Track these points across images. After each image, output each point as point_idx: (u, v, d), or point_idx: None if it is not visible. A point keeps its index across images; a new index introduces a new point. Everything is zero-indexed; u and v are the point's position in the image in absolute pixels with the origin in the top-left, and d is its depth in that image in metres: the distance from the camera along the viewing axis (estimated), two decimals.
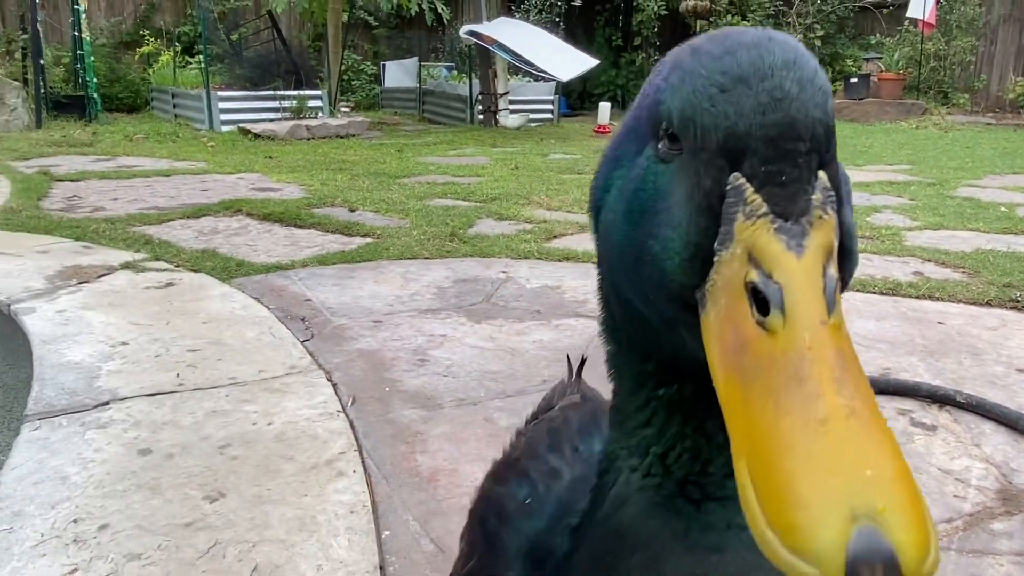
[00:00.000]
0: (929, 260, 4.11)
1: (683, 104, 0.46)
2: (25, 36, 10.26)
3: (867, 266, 3.97)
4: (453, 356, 2.61)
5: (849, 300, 3.40)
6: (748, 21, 15.50)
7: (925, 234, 4.76)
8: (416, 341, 2.73)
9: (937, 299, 3.44)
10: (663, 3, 15.08)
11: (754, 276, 0.41)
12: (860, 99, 13.08)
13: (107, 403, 2.13)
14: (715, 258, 0.44)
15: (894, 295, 3.52)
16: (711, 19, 15.46)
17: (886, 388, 2.40)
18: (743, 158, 0.44)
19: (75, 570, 1.43)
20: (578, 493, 0.64)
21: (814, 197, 0.43)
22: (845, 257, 0.45)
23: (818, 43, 15.00)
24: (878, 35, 15.18)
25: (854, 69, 14.35)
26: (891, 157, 8.79)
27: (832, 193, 0.44)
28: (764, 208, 0.43)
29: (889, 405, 2.35)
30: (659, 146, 0.49)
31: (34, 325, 2.75)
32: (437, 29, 14.54)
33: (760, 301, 0.41)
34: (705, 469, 0.53)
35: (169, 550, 1.50)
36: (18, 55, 10.90)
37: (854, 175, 7.10)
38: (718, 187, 0.44)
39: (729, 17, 15.53)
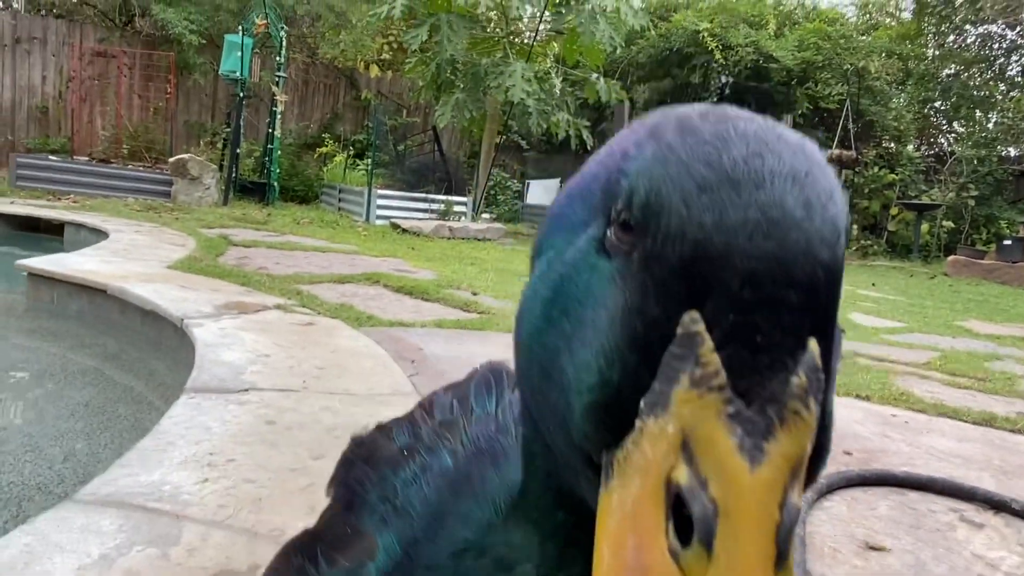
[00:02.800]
0: None
1: (650, 189, 0.34)
2: (228, 130, 11.99)
3: (968, 400, 3.95)
4: None
5: (934, 423, 3.44)
6: (897, 175, 15.47)
7: None
8: None
9: None
10: None
11: (683, 478, 0.30)
12: (1014, 262, 12.59)
13: (247, 390, 2.61)
14: (638, 421, 0.33)
15: (987, 425, 3.50)
16: (857, 169, 15.56)
17: (942, 488, 2.47)
18: (710, 293, 0.32)
19: (205, 480, 1.84)
20: (465, 475, 0.53)
21: (795, 380, 0.31)
22: (816, 457, 0.34)
23: (971, 203, 14.70)
24: None
25: (1009, 232, 13.91)
26: None
27: (822, 376, 0.32)
28: (722, 379, 0.31)
29: (941, 503, 2.42)
30: (607, 231, 0.37)
31: (200, 335, 3.33)
32: (582, 155, 15.52)
33: (682, 520, 0.30)
34: None
35: (276, 482, 1.88)
36: (219, 144, 12.69)
37: (986, 327, 6.91)
38: (666, 322, 0.33)
39: (876, 169, 15.57)
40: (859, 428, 3.18)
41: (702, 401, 0.31)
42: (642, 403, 0.33)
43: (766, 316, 0.31)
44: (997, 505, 2.38)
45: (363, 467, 0.60)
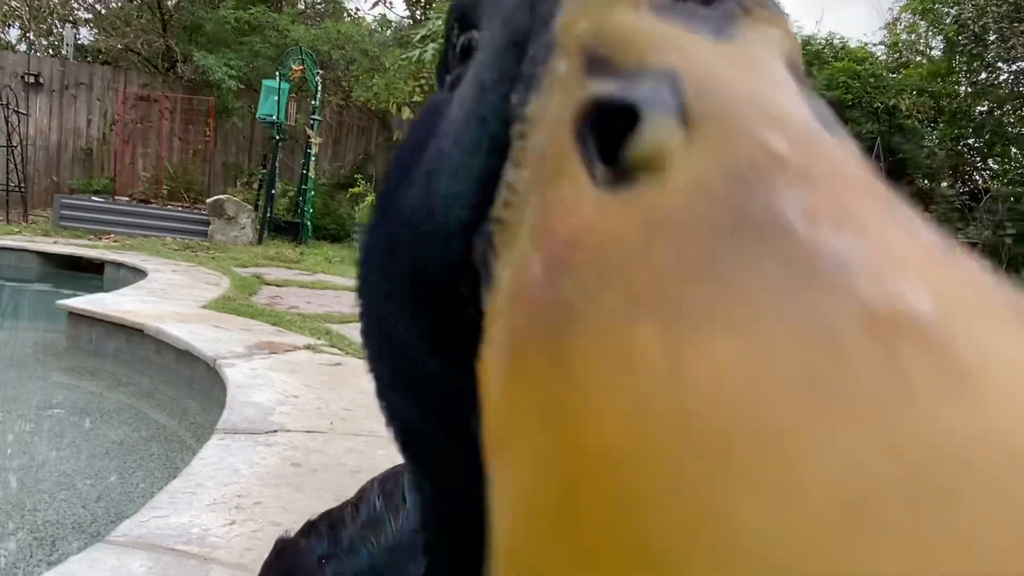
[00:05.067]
0: None
1: None
2: (264, 171, 12.30)
3: None
4: None
5: None
6: (931, 212, 15.31)
7: None
8: None
9: None
10: None
11: (599, 87, 0.18)
12: None
13: (275, 431, 2.66)
14: (514, 133, 0.22)
15: None
16: None
17: None
18: None
19: (232, 523, 1.88)
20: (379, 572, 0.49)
21: None
22: None
23: (1008, 241, 14.47)
24: None
25: None
26: None
27: None
28: None
29: None
30: (447, 77, 0.32)
31: (232, 375, 3.40)
32: None
33: (607, 136, 0.17)
34: None
35: (300, 525, 1.92)
36: (255, 185, 13.01)
37: None
38: (526, 28, 0.24)
39: None
40: None
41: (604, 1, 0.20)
42: (512, 100, 0.23)
43: None
44: None
45: None
